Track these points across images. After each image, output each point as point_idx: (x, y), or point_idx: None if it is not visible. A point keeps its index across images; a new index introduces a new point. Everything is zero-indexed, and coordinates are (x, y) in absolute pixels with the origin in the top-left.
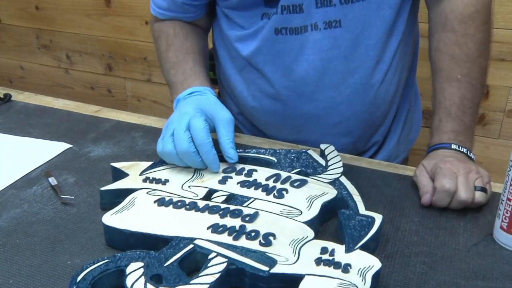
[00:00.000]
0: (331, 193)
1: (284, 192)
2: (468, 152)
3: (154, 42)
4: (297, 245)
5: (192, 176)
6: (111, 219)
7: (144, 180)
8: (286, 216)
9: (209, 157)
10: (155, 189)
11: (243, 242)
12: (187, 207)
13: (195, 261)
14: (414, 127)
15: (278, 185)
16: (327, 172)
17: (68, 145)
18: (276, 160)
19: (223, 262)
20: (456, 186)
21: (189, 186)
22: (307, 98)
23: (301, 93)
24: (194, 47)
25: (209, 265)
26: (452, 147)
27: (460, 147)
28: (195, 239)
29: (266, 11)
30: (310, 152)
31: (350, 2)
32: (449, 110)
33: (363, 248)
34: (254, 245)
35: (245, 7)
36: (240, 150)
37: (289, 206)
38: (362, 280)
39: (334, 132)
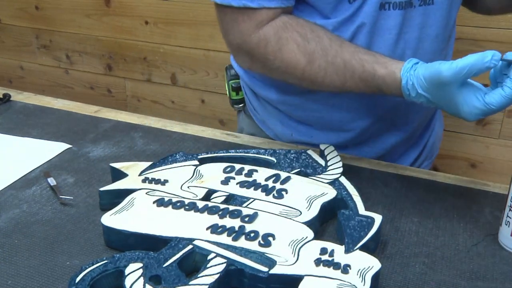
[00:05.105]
0: (331, 193)
1: (283, 193)
2: None
3: (271, 57)
4: (297, 246)
5: (192, 177)
6: (110, 219)
7: (144, 181)
8: (285, 217)
9: None
10: (154, 190)
11: (242, 242)
12: (187, 207)
13: (194, 261)
14: (439, 120)
15: (278, 186)
16: (326, 172)
17: (67, 145)
18: (275, 160)
19: (222, 263)
20: None
21: (188, 187)
22: None
23: None
24: (332, 35)
25: (208, 265)
26: None
27: None
28: (194, 239)
29: None
30: (310, 152)
31: None
32: None
33: (362, 248)
34: (253, 245)
35: None
36: (240, 150)
37: (289, 207)
38: (362, 281)
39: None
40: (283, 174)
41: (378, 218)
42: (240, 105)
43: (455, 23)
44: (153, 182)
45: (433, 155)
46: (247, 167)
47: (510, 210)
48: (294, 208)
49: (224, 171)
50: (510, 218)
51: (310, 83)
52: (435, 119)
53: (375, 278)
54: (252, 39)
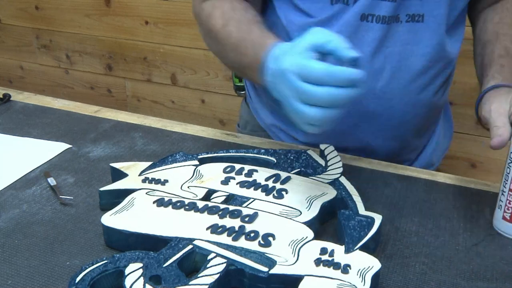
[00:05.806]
0: (331, 193)
1: (283, 193)
2: None
3: (204, 23)
4: (297, 246)
5: (192, 177)
6: (110, 219)
7: (144, 181)
8: (285, 217)
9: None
10: (154, 190)
11: (242, 242)
12: (187, 207)
13: (194, 261)
14: (448, 132)
15: (278, 186)
16: (326, 172)
17: (67, 145)
18: (275, 160)
19: (222, 263)
20: None
21: (188, 187)
22: (374, 95)
23: (371, 88)
24: (257, 16)
25: (208, 265)
26: None
27: None
28: (194, 239)
29: None
30: (310, 152)
31: None
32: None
33: (362, 248)
34: (253, 245)
35: None
36: (240, 150)
37: (289, 207)
38: (362, 281)
39: (388, 136)
40: (283, 174)
41: (378, 218)
42: (243, 92)
43: (457, 45)
44: (153, 182)
45: (433, 164)
46: (247, 167)
47: (502, 194)
48: (294, 208)
49: (224, 171)
50: (502, 202)
51: (222, 47)
52: (435, 136)
53: (375, 278)
54: (196, 10)
